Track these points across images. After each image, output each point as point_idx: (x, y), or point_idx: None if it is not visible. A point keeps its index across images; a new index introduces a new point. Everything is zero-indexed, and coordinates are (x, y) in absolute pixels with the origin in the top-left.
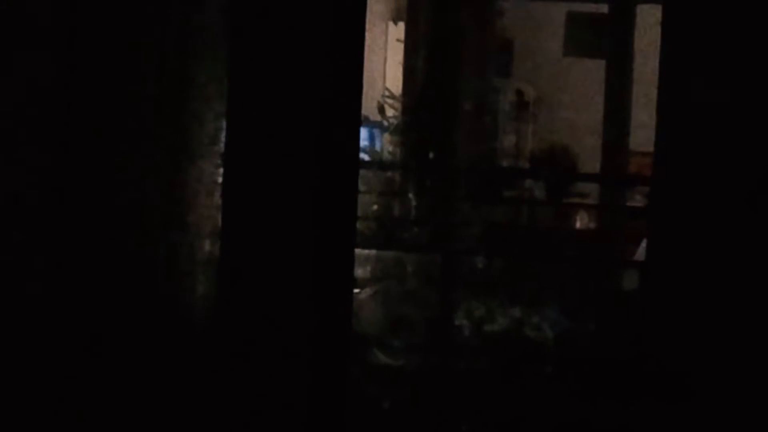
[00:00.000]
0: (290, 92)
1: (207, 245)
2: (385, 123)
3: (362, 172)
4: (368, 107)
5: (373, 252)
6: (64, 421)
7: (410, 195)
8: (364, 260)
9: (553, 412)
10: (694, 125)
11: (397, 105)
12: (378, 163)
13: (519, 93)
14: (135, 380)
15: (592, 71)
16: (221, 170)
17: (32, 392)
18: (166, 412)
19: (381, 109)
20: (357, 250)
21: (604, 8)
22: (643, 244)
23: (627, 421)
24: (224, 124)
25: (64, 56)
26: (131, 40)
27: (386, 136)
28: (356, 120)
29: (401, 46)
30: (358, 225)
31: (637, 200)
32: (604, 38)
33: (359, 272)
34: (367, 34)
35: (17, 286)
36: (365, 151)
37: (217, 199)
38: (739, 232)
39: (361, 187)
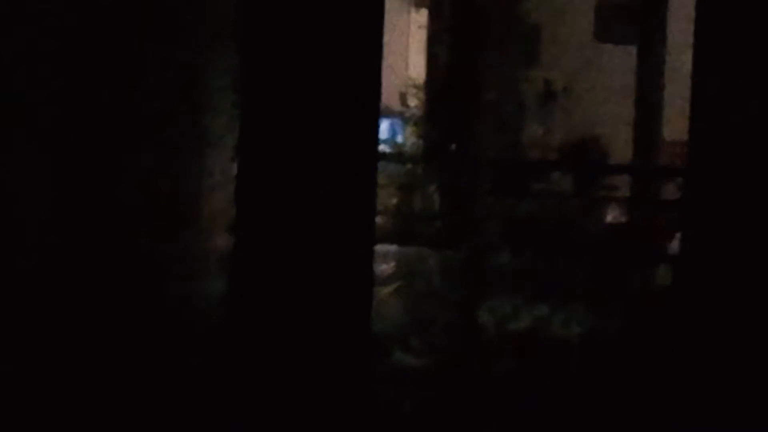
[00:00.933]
0: (306, 82)
1: (220, 240)
2: (407, 114)
3: (382, 164)
4: (389, 97)
5: (393, 248)
6: (82, 416)
7: (432, 189)
8: (384, 256)
9: (580, 414)
10: (730, 113)
11: (420, 95)
12: (399, 156)
13: (546, 82)
14: (148, 376)
15: (624, 58)
16: (235, 163)
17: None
18: (180, 407)
19: (402, 99)
20: (376, 246)
21: None
22: (677, 238)
23: (658, 423)
24: (238, 115)
25: (71, 44)
26: (140, 27)
27: (408, 127)
28: (376, 110)
29: (424, 33)
30: (378, 220)
31: (670, 193)
32: (635, 23)
33: (378, 269)
34: (387, 20)
35: (30, 281)
36: (385, 143)
37: (231, 192)
38: None
39: (381, 181)
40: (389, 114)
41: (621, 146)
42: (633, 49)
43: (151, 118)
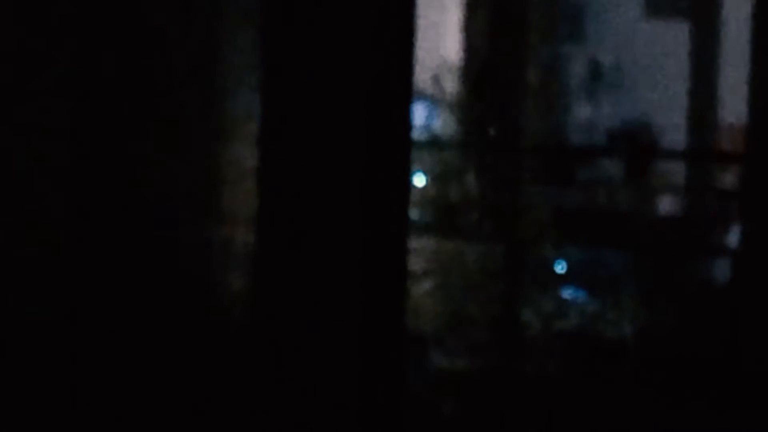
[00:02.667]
0: (333, 63)
1: (242, 235)
2: (442, 97)
3: (416, 151)
4: (422, 79)
5: (429, 242)
6: (96, 415)
7: (470, 177)
8: (419, 251)
9: (632, 419)
10: None
11: (455, 76)
12: (434, 142)
13: (593, 61)
14: (167, 376)
15: (677, 35)
16: (256, 152)
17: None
18: (203, 408)
19: (437, 81)
20: (410, 240)
21: None
22: (736, 229)
23: (716, 427)
24: (259, 99)
25: (83, 29)
26: (155, 7)
27: (443, 111)
28: (408, 93)
29: (460, 9)
30: (412, 211)
31: (728, 180)
32: None
33: (413, 264)
34: None
35: (41, 278)
36: (419, 129)
37: (253, 184)
38: None
39: (415, 169)
40: (423, 97)
41: (674, 130)
42: (686, 25)
43: (165, 101)
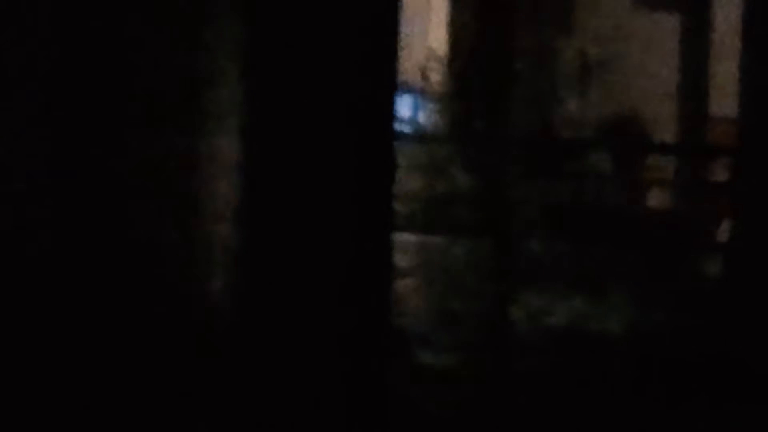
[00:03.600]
0: (318, 56)
1: (226, 229)
2: (428, 89)
3: (401, 145)
4: (408, 71)
5: (414, 236)
6: (81, 417)
7: (457, 171)
8: (405, 246)
9: (622, 417)
10: None
11: (442, 69)
12: (420, 136)
13: (581, 53)
14: (150, 376)
15: (666, 26)
16: (240, 144)
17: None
18: (187, 408)
19: (423, 74)
20: (396, 235)
21: None
22: (727, 224)
23: (710, 424)
24: (244, 89)
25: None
26: None
27: (429, 104)
28: (393, 86)
29: (446, 0)
30: (397, 206)
31: (719, 174)
32: None
33: (399, 260)
34: None
35: (22, 274)
36: (405, 122)
37: (237, 178)
38: None
39: (401, 163)
40: (408, 90)
41: (664, 123)
42: (676, 16)
43: (146, 92)
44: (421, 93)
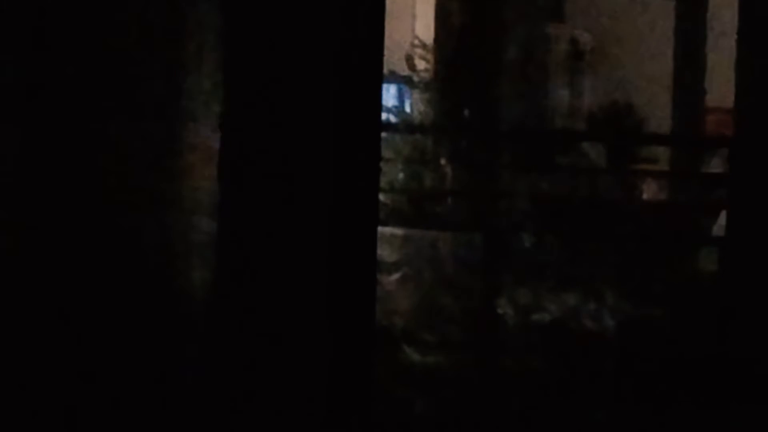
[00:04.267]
0: (299, 43)
1: (203, 224)
2: (415, 78)
3: (386, 135)
4: (393, 59)
5: (400, 230)
6: (55, 418)
7: (444, 162)
8: (390, 240)
9: (614, 418)
10: None
11: (429, 56)
12: (406, 126)
13: (573, 41)
14: (125, 376)
15: (661, 14)
16: (218, 135)
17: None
18: (164, 410)
19: (409, 62)
20: (381, 228)
21: None
22: (723, 216)
23: (704, 426)
24: (221, 80)
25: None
26: None
27: (416, 93)
28: (378, 74)
29: None
30: (382, 198)
31: (715, 166)
32: None
33: (384, 254)
34: None
35: None
36: (390, 112)
37: (214, 168)
38: None
39: (386, 154)
40: (393, 78)
41: (659, 114)
42: (671, 2)
43: (121, 81)
44: (407, 82)
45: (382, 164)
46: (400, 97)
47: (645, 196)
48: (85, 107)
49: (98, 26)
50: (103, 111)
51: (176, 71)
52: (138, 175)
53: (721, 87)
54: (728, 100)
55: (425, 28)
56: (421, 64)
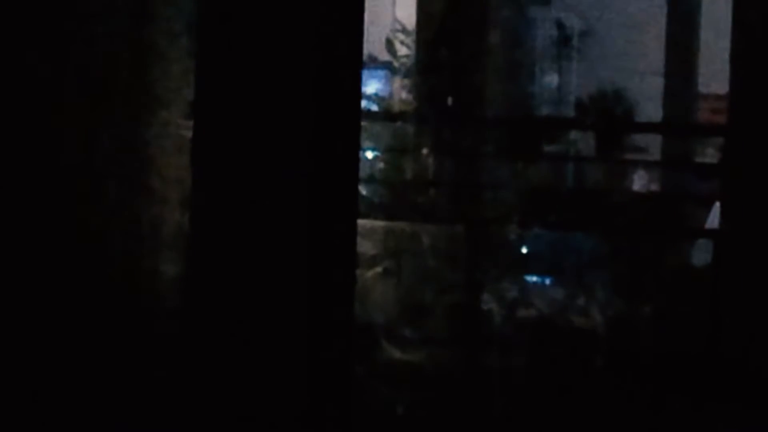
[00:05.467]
0: (274, 27)
1: (175, 216)
2: (395, 63)
3: (366, 123)
4: (373, 44)
5: (380, 222)
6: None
7: (427, 151)
8: (370, 232)
9: (604, 417)
10: None
11: (410, 41)
12: (386, 113)
13: (560, 24)
14: (93, 378)
15: None
16: (191, 122)
17: None
18: (134, 408)
19: (390, 47)
20: (360, 221)
21: None
22: (716, 208)
23: (697, 429)
24: (193, 64)
25: None
26: None
27: (396, 79)
28: (358, 60)
29: None
30: (362, 189)
31: (708, 155)
32: None
33: (363, 247)
34: None
35: None
36: (370, 99)
37: (187, 158)
38: None
39: (366, 143)
40: (373, 64)
41: (650, 100)
42: None
43: (88, 67)
44: (387, 67)
45: (361, 153)
46: (379, 83)
47: (635, 186)
48: (45, 94)
49: (58, 6)
50: (66, 98)
51: (144, 55)
52: (104, 165)
53: (715, 72)
54: (723, 86)
55: (406, 11)
56: (402, 50)
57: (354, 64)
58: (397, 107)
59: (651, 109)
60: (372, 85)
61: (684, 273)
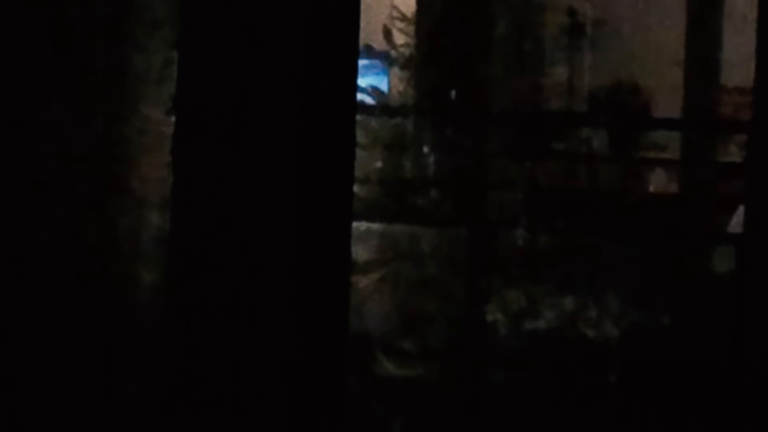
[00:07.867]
0: (264, 12)
1: (154, 217)
2: (394, 54)
3: (362, 118)
4: (371, 33)
5: (377, 225)
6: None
7: (427, 149)
8: (366, 236)
9: None
10: None
11: (410, 29)
12: (384, 107)
13: (572, 12)
14: (72, 383)
15: None
16: (172, 118)
17: None
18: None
19: (387, 35)
20: (355, 223)
21: None
22: (740, 211)
23: None
24: (175, 57)
25: None
26: None
27: (395, 70)
28: (353, 50)
29: None
30: (357, 189)
31: (731, 153)
32: None
33: (359, 252)
34: None
35: None
36: (366, 92)
37: (167, 156)
38: None
39: (361, 139)
40: (370, 54)
41: (668, 94)
42: None
43: (66, 60)
44: (385, 58)
45: (357, 151)
46: (376, 76)
47: (652, 187)
48: (18, 89)
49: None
50: (40, 93)
51: (123, 47)
52: (80, 164)
53: (740, 63)
54: (747, 79)
55: None
56: (400, 39)
57: (349, 53)
58: (395, 101)
59: (669, 104)
60: (368, 77)
61: (705, 280)
